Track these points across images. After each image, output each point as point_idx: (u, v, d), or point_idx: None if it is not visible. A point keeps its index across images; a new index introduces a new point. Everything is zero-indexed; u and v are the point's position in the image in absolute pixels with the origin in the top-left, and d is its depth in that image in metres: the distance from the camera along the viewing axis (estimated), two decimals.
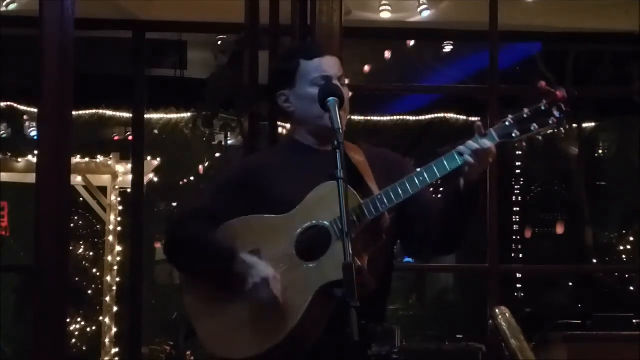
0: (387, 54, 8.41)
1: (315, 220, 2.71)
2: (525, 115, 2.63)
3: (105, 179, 8.79)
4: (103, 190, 8.83)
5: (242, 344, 2.73)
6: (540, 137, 2.65)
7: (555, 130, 2.65)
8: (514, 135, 2.64)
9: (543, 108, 2.61)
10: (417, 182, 2.67)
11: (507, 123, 2.65)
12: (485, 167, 2.66)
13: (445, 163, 2.66)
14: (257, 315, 2.72)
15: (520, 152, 10.06)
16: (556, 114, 2.60)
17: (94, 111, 9.34)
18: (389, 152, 3.01)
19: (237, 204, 2.82)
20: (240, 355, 2.74)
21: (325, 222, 2.68)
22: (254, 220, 2.79)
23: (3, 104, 8.37)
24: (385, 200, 2.67)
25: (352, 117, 2.99)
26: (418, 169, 2.69)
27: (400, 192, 2.67)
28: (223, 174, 3.30)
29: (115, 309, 8.55)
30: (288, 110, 2.91)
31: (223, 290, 2.76)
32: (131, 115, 7.31)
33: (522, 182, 10.39)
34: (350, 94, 2.93)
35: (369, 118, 9.47)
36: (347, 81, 2.96)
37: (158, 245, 10.48)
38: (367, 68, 8.44)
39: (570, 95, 2.61)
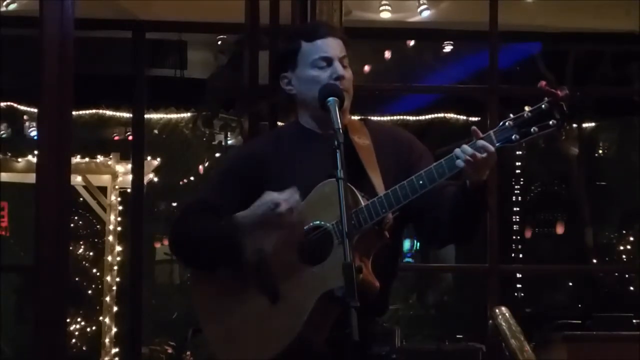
0: (387, 54, 8.40)
1: (318, 220, 2.69)
2: (525, 116, 2.56)
3: (105, 179, 8.79)
4: (103, 190, 8.83)
5: (247, 349, 2.73)
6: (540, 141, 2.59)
7: (556, 134, 2.58)
8: (513, 138, 2.56)
9: (544, 107, 2.54)
10: (417, 186, 2.63)
11: (507, 125, 2.57)
12: (485, 170, 2.61)
13: (445, 167, 2.62)
14: (263, 319, 2.71)
15: (520, 152, 10.06)
16: (557, 114, 2.53)
17: (94, 111, 9.34)
18: (397, 131, 2.97)
19: (238, 193, 2.80)
20: None
21: (328, 225, 2.67)
22: None
23: (3, 104, 8.37)
24: (385, 204, 2.64)
25: (352, 118, 2.97)
26: (417, 173, 2.65)
27: (400, 196, 2.64)
28: (223, 163, 3.29)
29: (115, 309, 8.55)
30: (290, 92, 2.86)
31: (234, 281, 2.74)
32: (131, 115, 7.31)
33: (522, 182, 10.39)
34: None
35: (369, 118, 9.46)
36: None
37: (158, 245, 10.51)
38: (367, 68, 8.43)
39: (572, 95, 2.56)
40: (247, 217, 2.71)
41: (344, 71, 2.80)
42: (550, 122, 2.54)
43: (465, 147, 2.58)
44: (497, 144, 2.58)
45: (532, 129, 2.55)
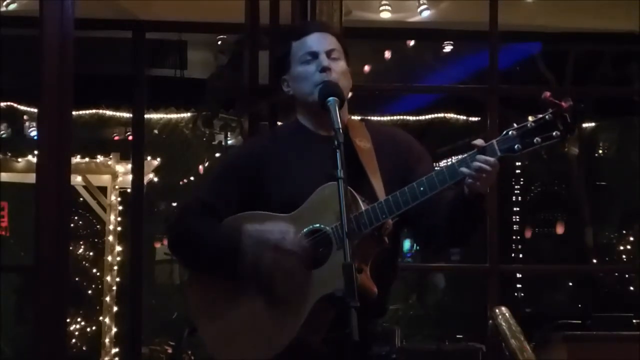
0: (387, 54, 8.40)
1: (318, 223, 2.68)
2: (529, 126, 2.54)
3: (105, 179, 8.80)
4: (103, 190, 8.84)
5: (243, 350, 2.73)
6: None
7: (559, 144, 2.56)
8: (516, 148, 2.55)
9: (548, 118, 2.52)
10: (417, 192, 2.63)
11: (509, 134, 2.56)
12: (488, 182, 2.60)
13: (447, 175, 2.61)
14: (259, 320, 2.71)
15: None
16: (560, 125, 2.51)
17: (94, 111, 9.33)
18: (396, 132, 2.96)
19: (237, 193, 2.80)
20: None
21: (327, 228, 2.66)
22: (258, 217, 2.75)
23: (3, 104, 8.36)
24: (386, 210, 2.63)
25: (352, 118, 2.97)
26: (419, 180, 2.64)
27: (401, 202, 2.63)
28: (221, 162, 3.28)
29: (115, 309, 8.55)
30: (289, 94, 2.88)
31: (230, 281, 2.74)
32: (131, 115, 7.31)
33: (522, 182, 10.39)
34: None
35: (369, 118, 9.46)
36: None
37: (158, 245, 10.51)
38: (367, 68, 8.42)
39: (575, 106, 2.54)
40: (253, 233, 2.70)
41: (333, 63, 2.80)
42: (554, 134, 2.53)
43: (469, 159, 2.58)
44: (499, 154, 2.57)
45: (535, 140, 2.54)
